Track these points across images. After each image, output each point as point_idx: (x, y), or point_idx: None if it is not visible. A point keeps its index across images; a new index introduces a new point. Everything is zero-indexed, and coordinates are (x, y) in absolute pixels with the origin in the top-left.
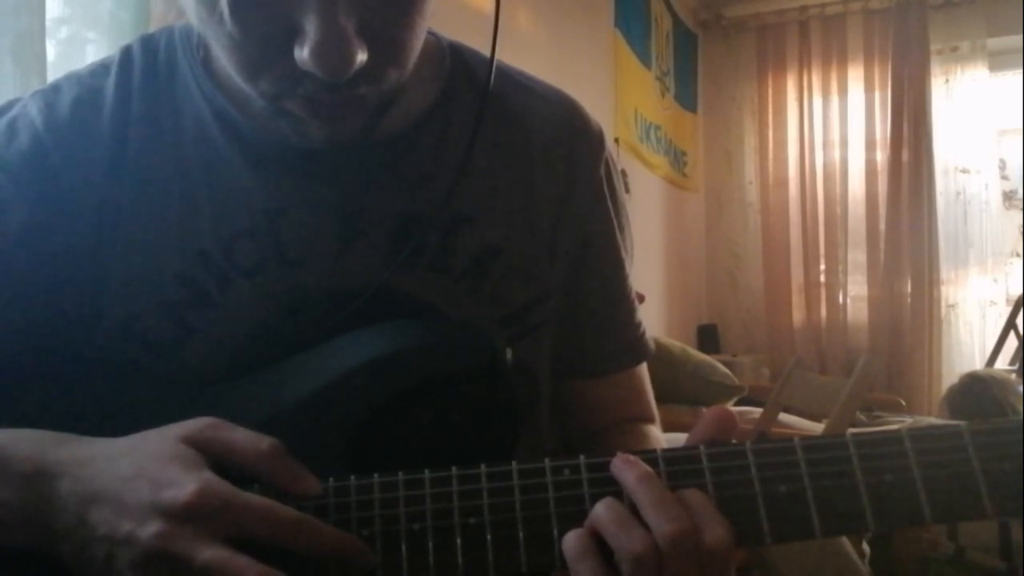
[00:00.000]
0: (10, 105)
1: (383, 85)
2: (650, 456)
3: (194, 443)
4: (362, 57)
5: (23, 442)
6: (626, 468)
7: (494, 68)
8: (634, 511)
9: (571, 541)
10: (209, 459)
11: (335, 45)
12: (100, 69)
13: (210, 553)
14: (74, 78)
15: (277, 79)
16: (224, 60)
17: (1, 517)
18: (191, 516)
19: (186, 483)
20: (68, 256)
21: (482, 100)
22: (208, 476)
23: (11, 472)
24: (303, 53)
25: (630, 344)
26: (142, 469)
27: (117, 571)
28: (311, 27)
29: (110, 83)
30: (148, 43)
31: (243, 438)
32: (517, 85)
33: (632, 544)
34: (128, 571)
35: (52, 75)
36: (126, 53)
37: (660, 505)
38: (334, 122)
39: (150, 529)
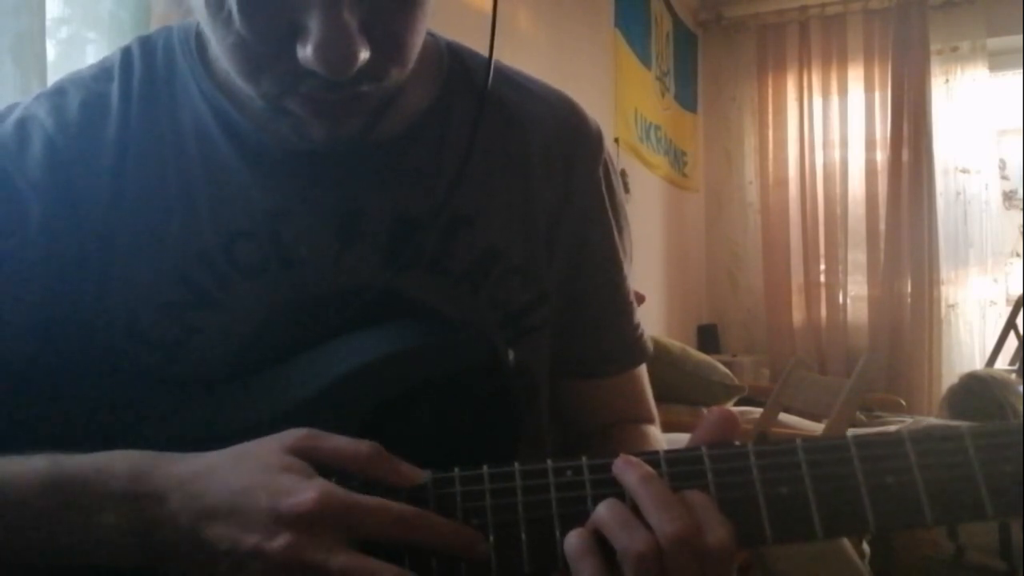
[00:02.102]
0: (10, 110)
1: (385, 83)
2: (652, 457)
3: (298, 452)
4: (365, 55)
5: (119, 464)
6: (628, 469)
7: (492, 68)
8: (636, 512)
9: (573, 540)
10: (314, 467)
11: (339, 42)
12: (102, 73)
13: (343, 558)
14: (79, 81)
15: (279, 77)
16: (225, 60)
17: (106, 540)
18: (315, 523)
19: (305, 491)
20: (78, 257)
21: (480, 101)
22: (324, 482)
23: (114, 495)
24: (307, 51)
25: (629, 345)
26: (255, 481)
27: None
28: (315, 24)
29: (114, 88)
30: (147, 44)
31: (344, 444)
32: (516, 86)
33: (634, 544)
34: None
35: (52, 75)
36: (126, 55)
37: (662, 505)
38: (335, 121)
39: (279, 540)
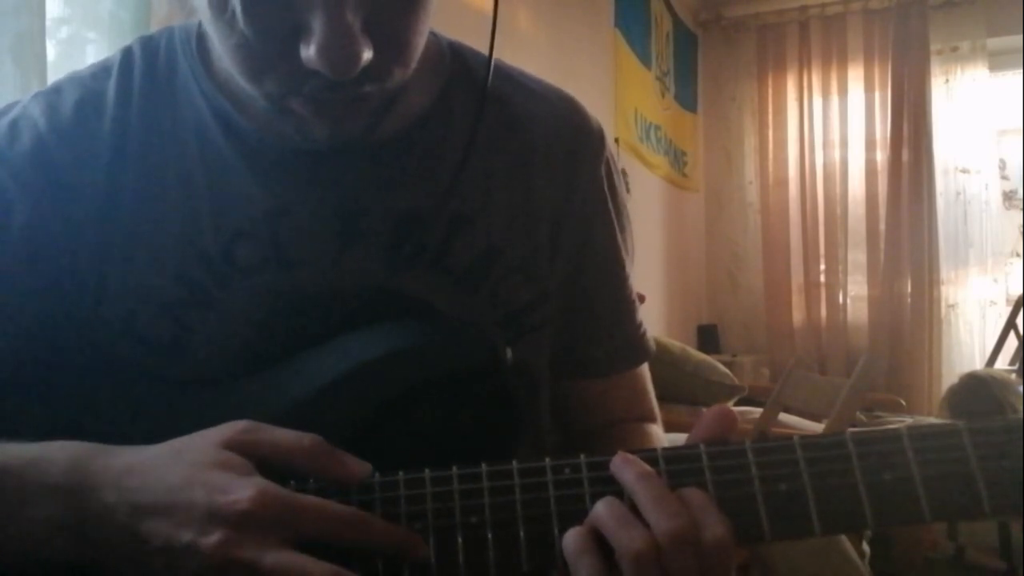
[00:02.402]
0: (9, 108)
1: (387, 84)
2: (650, 455)
3: (236, 447)
4: (368, 55)
5: (57, 455)
6: (625, 466)
7: (492, 68)
8: (634, 510)
9: (571, 538)
10: (254, 462)
11: (342, 43)
12: (101, 71)
13: (276, 556)
14: (76, 80)
15: (282, 78)
16: (228, 61)
17: (41, 533)
18: (251, 521)
19: (242, 489)
20: (70, 256)
21: (481, 100)
22: (260, 480)
23: (48, 486)
24: (309, 51)
25: (631, 344)
26: (192, 477)
27: None
28: (318, 25)
29: (111, 85)
30: (148, 44)
31: (284, 437)
32: (517, 85)
33: (632, 542)
34: None
35: (52, 75)
36: (127, 55)
37: (660, 503)
38: (338, 121)
39: (213, 538)
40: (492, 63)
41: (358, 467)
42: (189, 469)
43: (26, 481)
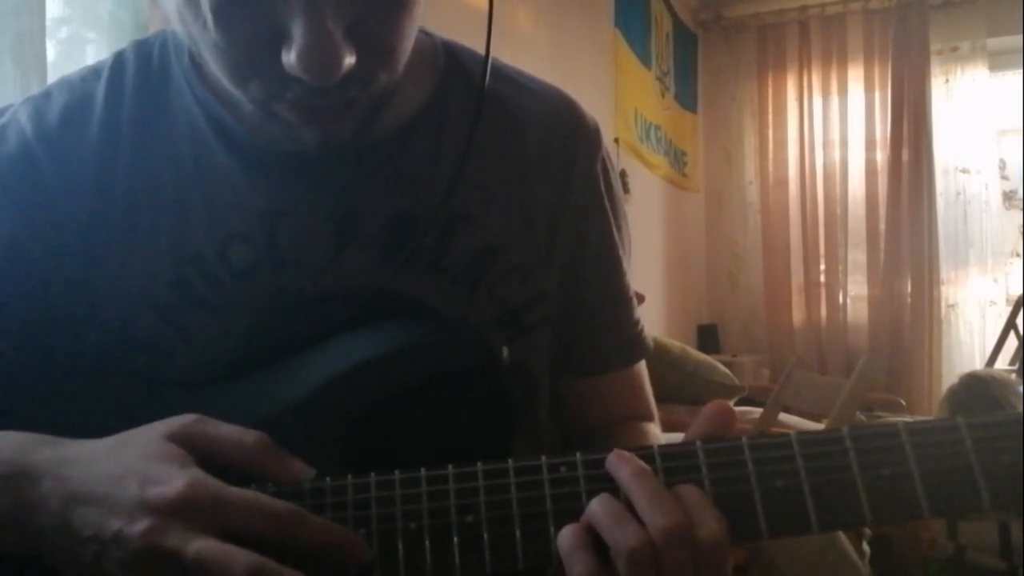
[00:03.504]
0: (1, 112)
1: (373, 88)
2: (647, 452)
3: (179, 440)
4: (350, 60)
5: (4, 445)
6: (621, 464)
7: (489, 67)
8: (629, 507)
9: (565, 535)
10: (196, 456)
11: (322, 49)
12: (91, 74)
13: (200, 544)
14: (65, 84)
15: (265, 84)
16: (212, 65)
17: None
18: (180, 512)
19: (174, 479)
20: (57, 262)
21: (478, 100)
22: (196, 472)
23: None
24: (290, 57)
25: (628, 342)
26: (128, 468)
27: (107, 572)
28: (297, 31)
29: (100, 88)
30: (142, 48)
31: (228, 433)
32: (512, 83)
33: (627, 539)
34: (118, 570)
35: (52, 75)
36: (119, 58)
37: (654, 499)
38: (325, 126)
39: (139, 526)
40: (488, 63)
41: (300, 469)
42: (126, 459)
43: None
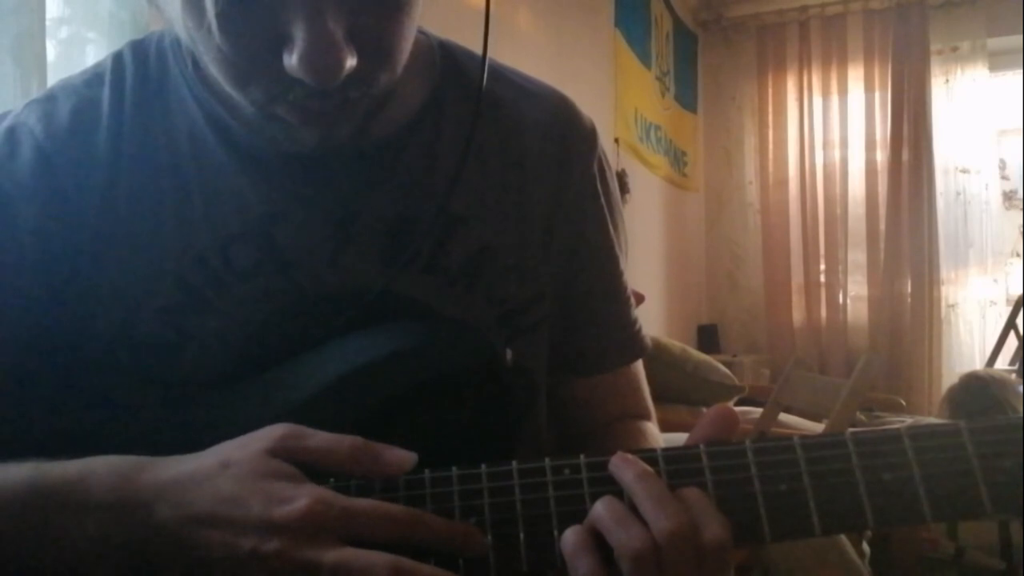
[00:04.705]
0: (1, 117)
1: (373, 89)
2: (650, 455)
3: (282, 454)
4: (351, 63)
5: (101, 470)
6: (624, 466)
7: (487, 68)
8: (634, 510)
9: (569, 537)
10: (298, 466)
11: (324, 52)
12: (94, 78)
13: (336, 553)
14: (69, 87)
15: (266, 86)
16: (213, 70)
17: (90, 550)
18: (308, 528)
19: (297, 498)
20: (70, 263)
21: (476, 100)
22: (315, 488)
23: (93, 504)
24: (292, 60)
25: (626, 341)
26: (245, 487)
27: None
28: (299, 34)
29: (105, 93)
30: (138, 49)
31: (325, 442)
32: (509, 83)
33: (631, 541)
34: None
35: (52, 75)
36: (118, 60)
37: (658, 502)
38: (325, 127)
39: (272, 544)
40: (486, 64)
41: (399, 459)
42: (241, 480)
43: (74, 499)
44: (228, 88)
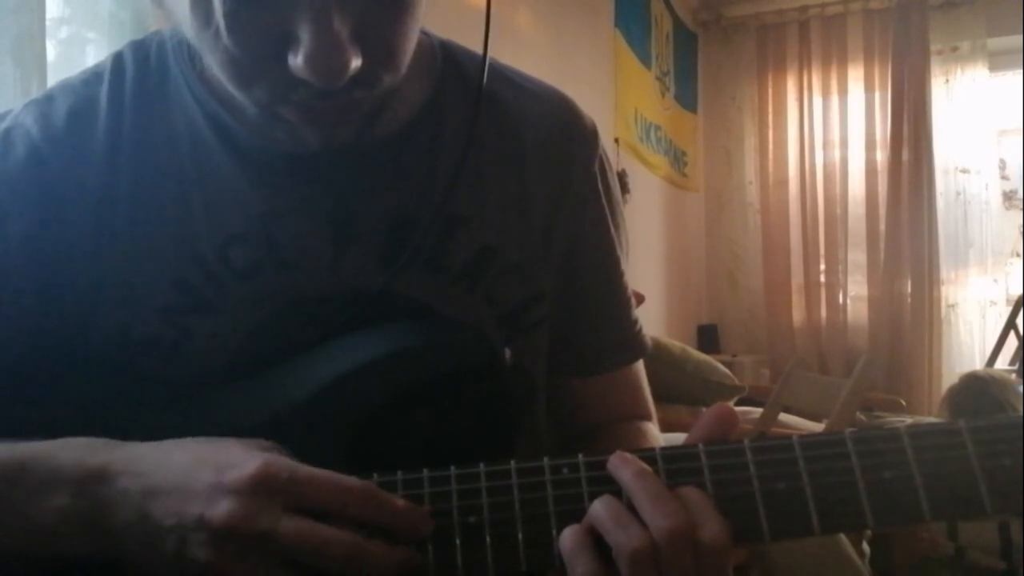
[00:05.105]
0: (1, 118)
1: (377, 89)
2: (649, 454)
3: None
4: (356, 63)
5: (71, 449)
6: (622, 465)
7: (487, 68)
8: (632, 509)
9: (567, 536)
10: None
11: (330, 52)
12: (93, 78)
13: (292, 524)
14: (68, 87)
15: (271, 87)
16: (216, 70)
17: (58, 526)
18: (258, 491)
19: (249, 460)
20: (65, 263)
21: (476, 100)
22: (270, 454)
23: (63, 478)
24: (298, 60)
25: (627, 341)
26: (201, 456)
27: (192, 557)
28: (305, 34)
29: (103, 92)
30: (139, 49)
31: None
32: (509, 83)
33: (629, 540)
34: (203, 552)
35: (52, 75)
36: (117, 60)
37: (657, 501)
38: (329, 128)
39: (221, 508)
40: (487, 64)
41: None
42: (199, 450)
43: (40, 474)
44: (232, 89)
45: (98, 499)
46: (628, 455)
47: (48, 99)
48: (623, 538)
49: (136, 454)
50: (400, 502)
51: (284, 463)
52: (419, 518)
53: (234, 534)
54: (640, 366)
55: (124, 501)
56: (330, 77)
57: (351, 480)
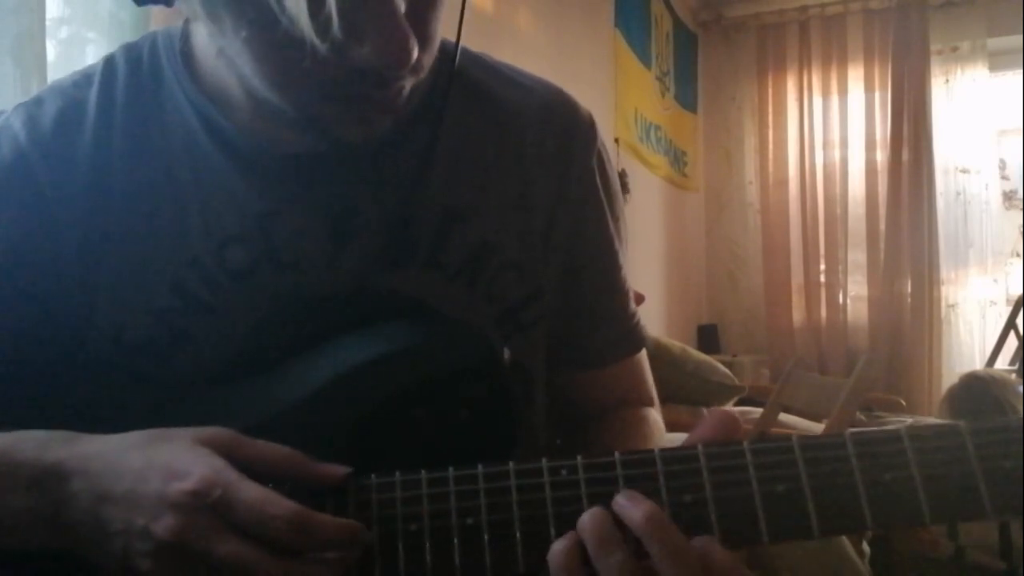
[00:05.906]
0: None
1: (422, 75)
2: (647, 456)
3: (208, 444)
4: (417, 48)
5: (28, 444)
6: (631, 506)
7: (484, 65)
8: (619, 523)
9: (556, 552)
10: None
11: (399, 37)
12: (83, 80)
13: (230, 548)
14: (57, 89)
15: (319, 84)
16: (252, 72)
17: (17, 522)
18: (200, 506)
19: (193, 469)
20: (54, 267)
21: (448, 81)
22: (213, 461)
23: (20, 476)
24: (365, 50)
25: (625, 335)
26: (151, 462)
27: (134, 565)
28: (372, 23)
29: (92, 94)
30: (131, 52)
31: (260, 443)
32: (506, 80)
33: (609, 570)
34: (144, 563)
35: (52, 75)
36: (109, 63)
37: (676, 559)
38: (369, 122)
39: (164, 522)
40: (459, 48)
41: (330, 469)
42: (152, 453)
43: (1, 471)
44: (268, 91)
45: (53, 498)
46: (636, 494)
47: (37, 102)
48: (605, 566)
49: (90, 452)
50: (330, 524)
51: (222, 478)
52: (350, 536)
53: (175, 549)
54: (642, 357)
55: (76, 502)
56: (399, 63)
57: (279, 506)
